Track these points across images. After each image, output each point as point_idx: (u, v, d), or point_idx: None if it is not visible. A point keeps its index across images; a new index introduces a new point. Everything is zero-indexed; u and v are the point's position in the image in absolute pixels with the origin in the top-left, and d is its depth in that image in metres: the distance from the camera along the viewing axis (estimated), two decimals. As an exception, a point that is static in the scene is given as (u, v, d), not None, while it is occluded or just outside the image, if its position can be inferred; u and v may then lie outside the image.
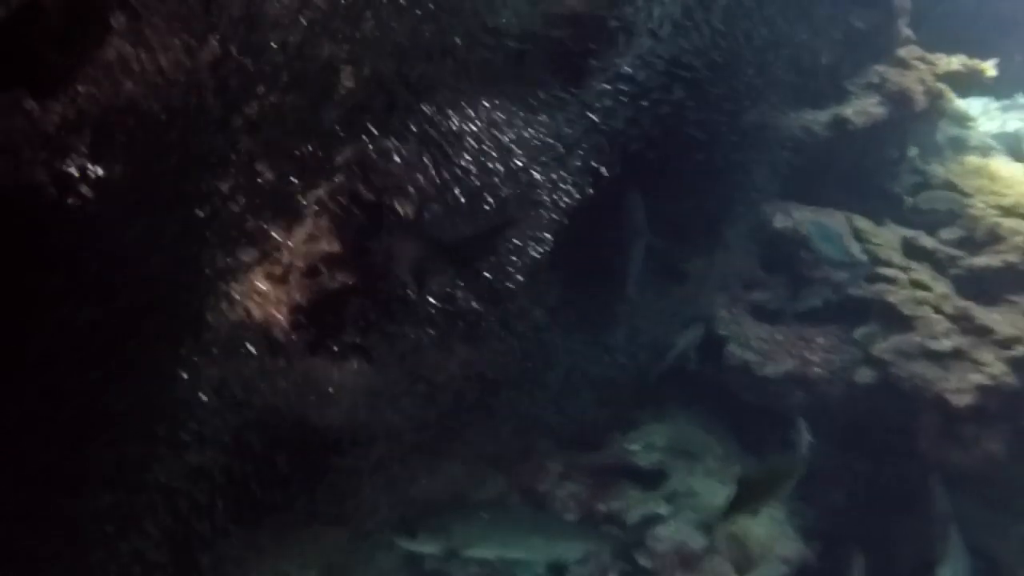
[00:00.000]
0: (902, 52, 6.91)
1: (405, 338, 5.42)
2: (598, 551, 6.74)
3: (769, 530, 6.36)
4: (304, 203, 4.39)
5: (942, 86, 6.99)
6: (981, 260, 6.20)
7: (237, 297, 4.09)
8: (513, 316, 5.83)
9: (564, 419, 7.02)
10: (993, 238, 6.25)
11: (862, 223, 6.49)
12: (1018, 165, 7.51)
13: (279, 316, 4.51)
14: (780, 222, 6.69)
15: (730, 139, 5.99)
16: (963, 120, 8.49)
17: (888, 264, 6.15)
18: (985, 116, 11.20)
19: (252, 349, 4.19)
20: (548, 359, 6.33)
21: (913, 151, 7.64)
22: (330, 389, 4.99)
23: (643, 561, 6.40)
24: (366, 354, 5.20)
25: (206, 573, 4.77)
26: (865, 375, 5.97)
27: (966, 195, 6.65)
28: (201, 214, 3.49)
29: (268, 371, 4.37)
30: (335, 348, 4.95)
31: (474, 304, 5.53)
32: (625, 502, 6.76)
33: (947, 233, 6.53)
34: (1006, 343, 5.64)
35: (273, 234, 4.14)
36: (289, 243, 4.34)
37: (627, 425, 7.26)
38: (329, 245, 4.61)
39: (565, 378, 6.55)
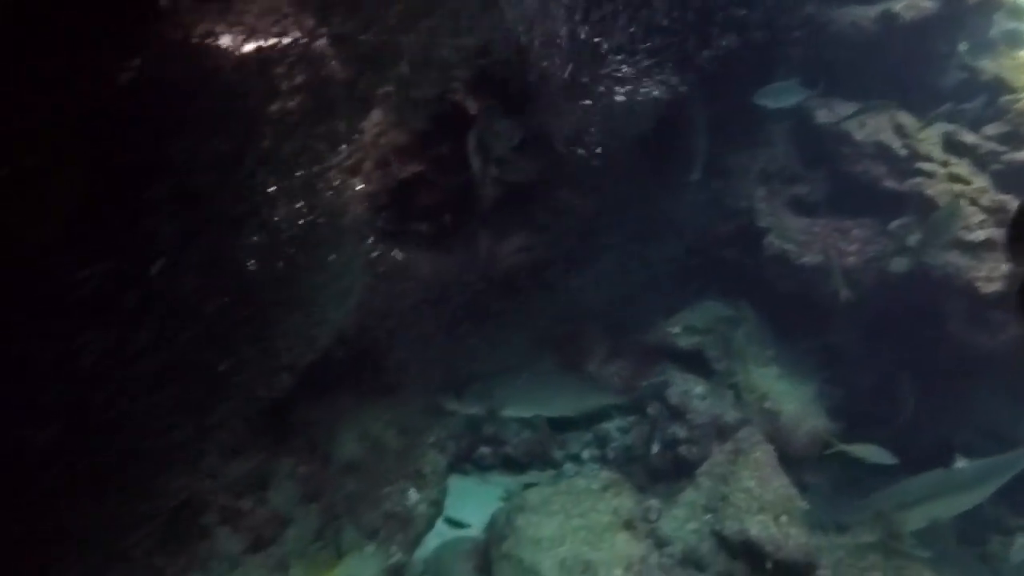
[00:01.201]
0: (955, -58, 6.82)
1: (466, 225, 5.88)
2: (639, 422, 7.38)
3: (799, 406, 6.87)
4: (373, 97, 4.70)
5: (997, -22, 6.92)
6: (1020, 156, 6.33)
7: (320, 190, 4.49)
8: (563, 203, 6.23)
9: (611, 303, 7.51)
10: (1034, 134, 6.37)
11: (904, 118, 6.62)
12: (1073, 61, 7.48)
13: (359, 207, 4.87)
14: (823, 118, 6.87)
15: (784, 36, 6.14)
16: (1020, 13, 8.35)
17: (928, 159, 6.33)
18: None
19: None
20: (599, 246, 6.76)
21: (963, 46, 7.62)
22: (404, 273, 5.49)
23: (682, 432, 6.98)
24: (433, 240, 5.67)
25: (298, 434, 5.45)
26: (898, 264, 6.26)
27: (1014, 90, 6.71)
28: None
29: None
30: (406, 235, 5.39)
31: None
32: (665, 380, 7.33)
33: (991, 129, 6.64)
34: (1038, 235, 5.87)
35: (346, 128, 4.51)
36: (361, 136, 4.69)
37: (669, 310, 7.73)
38: (398, 137, 4.96)
39: (618, 262, 6.97)
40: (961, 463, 5.38)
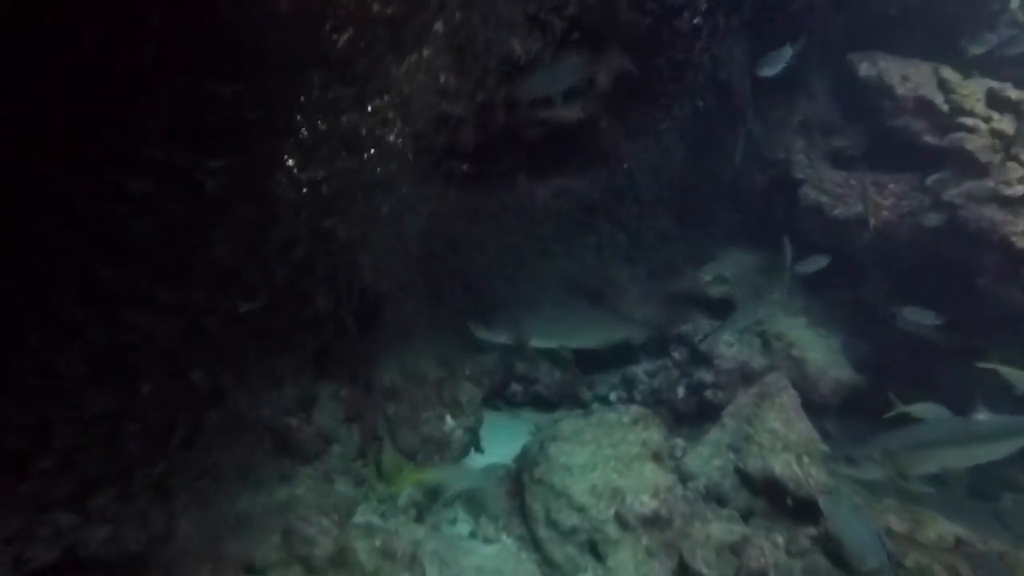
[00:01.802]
0: None
1: (503, 164, 6.01)
2: (667, 366, 7.57)
3: (826, 356, 7.03)
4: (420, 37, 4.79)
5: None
6: (1067, 111, 6.32)
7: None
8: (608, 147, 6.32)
9: (644, 249, 7.65)
10: (1083, 90, 6.35)
11: (948, 74, 6.61)
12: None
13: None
14: (865, 71, 6.87)
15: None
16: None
17: (970, 114, 6.34)
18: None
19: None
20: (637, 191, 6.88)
21: (1015, 2, 7.55)
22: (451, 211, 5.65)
23: (709, 377, 7.18)
24: (472, 180, 5.81)
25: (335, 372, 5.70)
26: (932, 219, 6.34)
27: (1062, 49, 6.66)
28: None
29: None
30: (451, 175, 5.53)
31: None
32: (695, 326, 7.50)
33: (1038, 85, 6.61)
34: (1078, 192, 5.93)
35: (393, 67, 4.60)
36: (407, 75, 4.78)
37: (700, 259, 7.87)
38: (444, 77, 5.05)
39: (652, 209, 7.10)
40: (982, 415, 5.20)
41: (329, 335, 5.18)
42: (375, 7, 4.22)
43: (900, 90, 6.56)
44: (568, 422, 5.95)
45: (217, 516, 4.40)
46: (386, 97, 4.76)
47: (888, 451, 4.72)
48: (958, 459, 5.15)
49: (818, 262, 6.32)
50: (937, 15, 6.77)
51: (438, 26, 4.89)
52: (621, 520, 5.11)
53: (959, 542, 5.26)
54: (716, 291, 7.57)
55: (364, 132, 4.68)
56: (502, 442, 6.54)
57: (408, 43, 4.76)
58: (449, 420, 5.93)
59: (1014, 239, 5.90)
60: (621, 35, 5.19)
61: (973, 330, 6.62)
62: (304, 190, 4.42)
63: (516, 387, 7.49)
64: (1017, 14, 7.48)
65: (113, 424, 3.83)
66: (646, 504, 5.19)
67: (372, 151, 4.78)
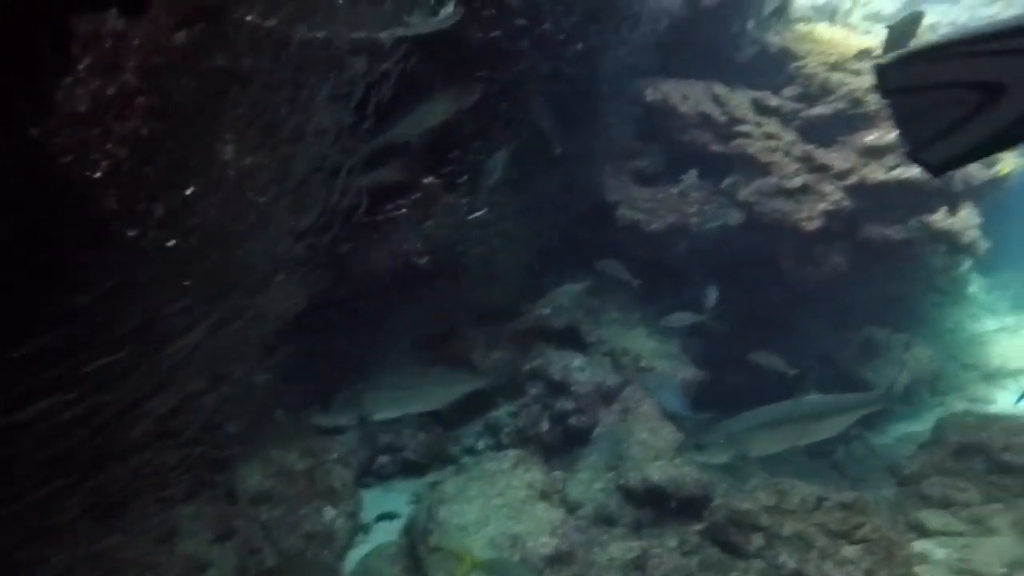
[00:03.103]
0: (734, -68, 7.72)
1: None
2: (527, 404, 7.67)
3: (670, 361, 7.47)
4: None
5: (772, -38, 7.90)
6: (816, 110, 7.30)
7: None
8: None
9: (483, 296, 7.73)
10: (824, 91, 7.36)
11: (720, 89, 7.40)
12: (836, 29, 8.68)
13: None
14: (651, 95, 7.50)
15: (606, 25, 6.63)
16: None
17: (744, 121, 7.13)
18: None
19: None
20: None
21: (750, 24, 8.62)
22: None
23: (569, 404, 7.35)
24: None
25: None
26: (734, 217, 6.99)
27: (799, 57, 7.69)
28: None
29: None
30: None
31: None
32: (545, 359, 7.67)
33: (788, 91, 7.58)
34: (841, 175, 6.85)
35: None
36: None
37: (536, 293, 8.09)
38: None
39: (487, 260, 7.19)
40: (812, 396, 5.59)
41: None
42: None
43: (683, 108, 7.22)
44: (450, 482, 5.86)
45: None
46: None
47: (731, 435, 5.01)
48: (794, 438, 5.49)
49: (711, 295, 6.70)
50: (700, 39, 7.56)
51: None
52: (526, 565, 5.06)
53: (819, 499, 5.73)
54: (558, 321, 7.79)
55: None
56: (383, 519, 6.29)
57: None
58: (328, 510, 5.60)
59: (803, 224, 6.66)
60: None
61: (786, 308, 7.41)
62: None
63: (384, 459, 7.22)
64: (754, 33, 8.55)
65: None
66: (547, 544, 5.20)
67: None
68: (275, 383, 5.78)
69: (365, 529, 6.04)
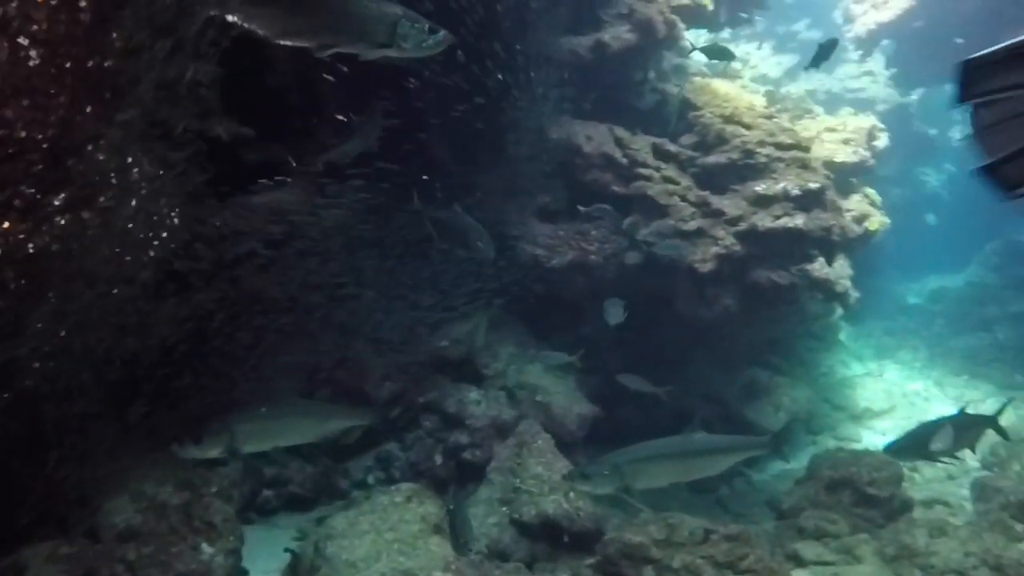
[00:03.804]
0: (643, -14, 8.09)
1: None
2: (421, 438, 7.51)
3: (566, 396, 7.53)
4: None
5: (675, 17, 8.32)
6: (711, 159, 7.68)
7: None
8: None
9: (380, 324, 7.56)
10: (720, 141, 7.76)
11: (621, 132, 7.65)
12: (730, 84, 9.23)
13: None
14: (556, 134, 7.66)
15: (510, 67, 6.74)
16: (682, 51, 10.11)
17: (645, 165, 7.39)
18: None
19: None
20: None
21: (651, 74, 9.03)
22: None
23: (464, 438, 7.26)
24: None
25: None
26: (632, 257, 7.20)
27: (697, 108, 8.09)
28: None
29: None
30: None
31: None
32: (441, 392, 7.56)
33: (686, 139, 7.94)
34: (733, 221, 7.20)
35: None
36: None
37: (433, 326, 8.00)
38: None
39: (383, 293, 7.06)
40: (699, 434, 5.63)
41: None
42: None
43: (587, 148, 7.41)
44: (340, 516, 5.59)
45: None
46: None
47: (616, 467, 5.04)
48: (679, 473, 5.69)
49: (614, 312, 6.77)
50: (604, 83, 7.81)
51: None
52: (420, 600, 4.89)
53: (707, 532, 5.88)
54: (455, 354, 7.72)
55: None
56: (264, 558, 5.93)
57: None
58: (205, 547, 5.21)
59: (697, 265, 6.93)
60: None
61: (679, 347, 7.65)
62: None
63: (267, 493, 6.88)
64: (655, 83, 8.95)
65: None
66: (441, 581, 5.03)
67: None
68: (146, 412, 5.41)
69: (241, 572, 5.66)
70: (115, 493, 5.36)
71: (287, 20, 3.56)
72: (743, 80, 9.77)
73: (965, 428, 6.09)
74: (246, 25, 3.52)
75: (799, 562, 6.42)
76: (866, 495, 7.01)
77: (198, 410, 5.85)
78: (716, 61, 10.71)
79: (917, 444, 6.07)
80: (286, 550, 5.76)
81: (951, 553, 6.44)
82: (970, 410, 9.21)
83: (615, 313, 6.56)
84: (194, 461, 5.88)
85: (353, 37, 3.64)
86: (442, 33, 3.64)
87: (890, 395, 11.49)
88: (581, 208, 6.87)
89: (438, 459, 7.38)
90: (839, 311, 11.42)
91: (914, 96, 16.20)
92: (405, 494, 5.78)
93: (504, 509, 6.29)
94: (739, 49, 14.88)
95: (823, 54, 7.49)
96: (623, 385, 7.14)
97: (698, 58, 10.51)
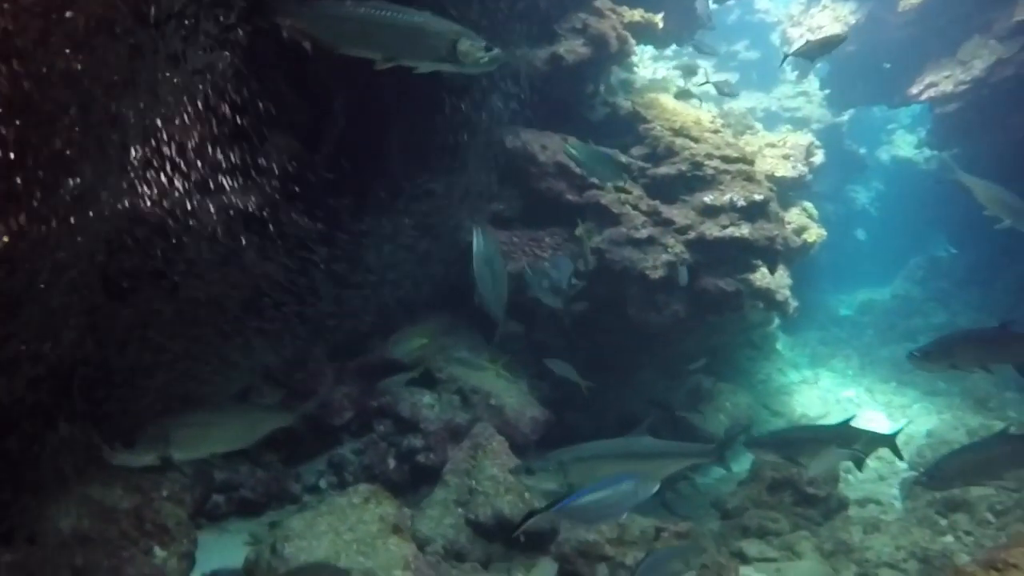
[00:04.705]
0: (597, 2, 8.33)
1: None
2: (374, 441, 7.50)
3: (519, 399, 7.64)
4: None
5: (627, 33, 8.58)
6: (662, 170, 7.94)
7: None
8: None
9: (335, 328, 7.55)
10: (669, 153, 8.03)
11: (574, 142, 7.83)
12: (677, 100, 9.55)
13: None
14: (511, 143, 7.81)
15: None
16: (630, 66, 10.42)
17: (598, 175, 7.57)
18: (640, 64, 13.67)
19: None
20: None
21: (602, 87, 9.27)
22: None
23: (418, 442, 7.29)
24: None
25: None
26: (585, 226, 7.36)
27: (647, 121, 8.35)
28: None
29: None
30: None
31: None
32: (394, 396, 7.58)
33: (636, 151, 8.19)
34: (682, 230, 7.46)
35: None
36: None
37: (388, 330, 8.02)
38: None
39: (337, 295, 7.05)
40: (646, 438, 5.62)
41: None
42: None
43: (541, 157, 7.58)
44: (297, 518, 5.58)
45: None
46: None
47: (561, 464, 5.04)
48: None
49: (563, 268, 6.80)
50: (558, 95, 8.02)
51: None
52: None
53: (658, 530, 6.07)
54: (408, 358, 7.75)
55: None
56: (216, 563, 5.86)
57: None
58: (158, 551, 5.13)
59: (648, 272, 7.16)
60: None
61: (628, 353, 7.85)
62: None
63: (218, 498, 6.77)
64: (605, 96, 9.19)
65: None
66: (401, 579, 5.07)
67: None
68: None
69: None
70: (60, 497, 5.24)
71: (352, 30, 3.66)
72: (693, 98, 10.11)
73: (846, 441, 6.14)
74: (309, 32, 3.61)
75: (744, 559, 6.69)
76: (806, 495, 7.34)
77: (133, 413, 5.75)
78: (722, 95, 11.17)
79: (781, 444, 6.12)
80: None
81: (883, 547, 6.82)
82: (894, 417, 9.73)
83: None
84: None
85: (416, 52, 3.76)
86: (496, 51, 3.79)
87: (825, 401, 12.00)
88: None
89: (391, 463, 7.39)
90: (776, 321, 11.92)
91: (845, 116, 16.95)
92: (363, 495, 5.80)
93: (460, 510, 6.36)
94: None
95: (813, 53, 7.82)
96: (551, 370, 7.11)
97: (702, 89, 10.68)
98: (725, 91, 10.61)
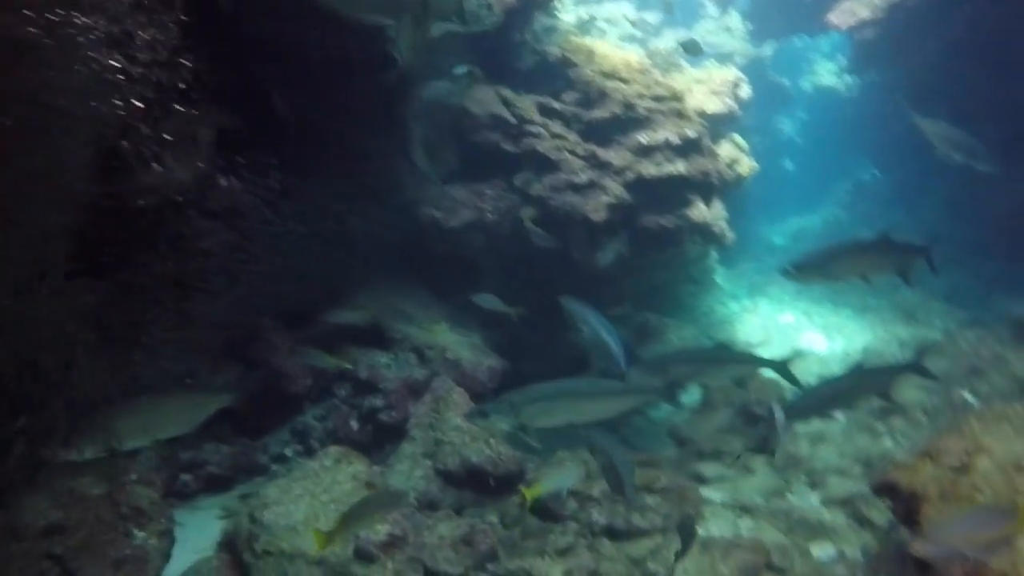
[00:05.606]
0: (518, -51, 8.25)
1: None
2: (335, 406, 7.57)
3: (474, 351, 7.79)
4: None
5: (549, -22, 8.57)
6: (595, 113, 8.04)
7: None
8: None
9: (283, 296, 7.52)
10: (601, 96, 8.13)
11: (507, 93, 7.88)
12: (606, 43, 9.61)
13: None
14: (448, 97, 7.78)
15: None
16: (552, 12, 10.40)
17: (532, 123, 7.66)
18: (563, 9, 13.63)
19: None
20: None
21: (528, 36, 9.25)
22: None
23: (379, 401, 7.39)
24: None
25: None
26: (527, 212, 7.49)
27: (577, 66, 8.42)
28: None
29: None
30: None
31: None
32: (351, 360, 7.63)
33: (568, 96, 8.26)
34: (620, 171, 7.62)
35: None
36: None
37: (339, 295, 8.02)
38: None
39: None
40: (597, 379, 5.98)
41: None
42: None
43: (475, 109, 7.59)
44: (271, 486, 5.68)
45: None
46: None
47: (513, 405, 5.19)
48: (576, 414, 5.77)
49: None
50: (486, 47, 8.00)
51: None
52: (363, 555, 5.08)
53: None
54: (361, 320, 7.80)
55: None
56: (193, 539, 5.91)
57: None
58: (137, 532, 5.16)
59: (591, 215, 7.31)
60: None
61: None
62: None
63: (185, 477, 6.79)
64: (532, 44, 9.19)
65: None
66: (380, 531, 5.23)
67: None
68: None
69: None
70: (29, 490, 5.19)
71: None
72: (611, 38, 10.19)
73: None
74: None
75: (702, 480, 7.07)
76: (754, 415, 7.75)
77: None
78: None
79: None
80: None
81: (829, 457, 7.30)
82: (832, 337, 10.27)
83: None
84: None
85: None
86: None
87: (766, 328, 12.52)
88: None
89: (354, 424, 7.48)
90: (714, 254, 12.29)
91: (768, 49, 17.29)
92: (333, 457, 5.92)
93: (428, 462, 6.52)
94: (604, 9, 15.43)
95: None
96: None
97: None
98: (691, 50, 10.58)
